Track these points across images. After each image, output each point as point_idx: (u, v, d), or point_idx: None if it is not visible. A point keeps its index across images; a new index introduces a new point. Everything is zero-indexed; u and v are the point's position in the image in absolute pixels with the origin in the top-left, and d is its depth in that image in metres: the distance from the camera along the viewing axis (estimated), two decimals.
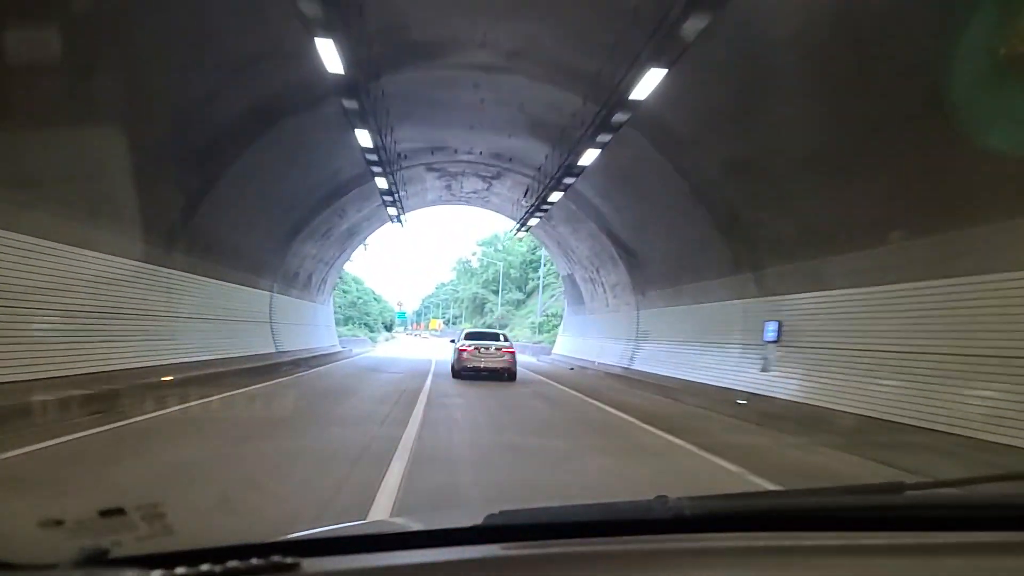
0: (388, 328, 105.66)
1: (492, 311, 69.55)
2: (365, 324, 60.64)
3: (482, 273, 76.84)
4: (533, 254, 69.05)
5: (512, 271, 70.36)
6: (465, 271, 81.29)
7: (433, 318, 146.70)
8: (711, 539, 1.20)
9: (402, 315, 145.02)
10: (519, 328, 58.98)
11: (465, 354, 16.58)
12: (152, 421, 7.92)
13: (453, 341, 19.14)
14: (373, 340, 51.21)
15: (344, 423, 8.89)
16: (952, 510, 1.35)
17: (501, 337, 18.07)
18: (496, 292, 72.03)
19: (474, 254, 78.04)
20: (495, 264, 73.11)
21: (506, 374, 16.54)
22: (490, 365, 16.48)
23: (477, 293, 74.37)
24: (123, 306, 11.06)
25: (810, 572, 1.13)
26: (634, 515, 1.27)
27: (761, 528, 1.23)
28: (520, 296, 69.37)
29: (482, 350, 16.72)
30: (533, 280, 68.26)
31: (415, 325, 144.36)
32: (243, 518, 4.03)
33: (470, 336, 18.05)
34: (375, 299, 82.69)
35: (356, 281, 70.18)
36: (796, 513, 1.30)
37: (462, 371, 16.53)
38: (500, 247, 75.60)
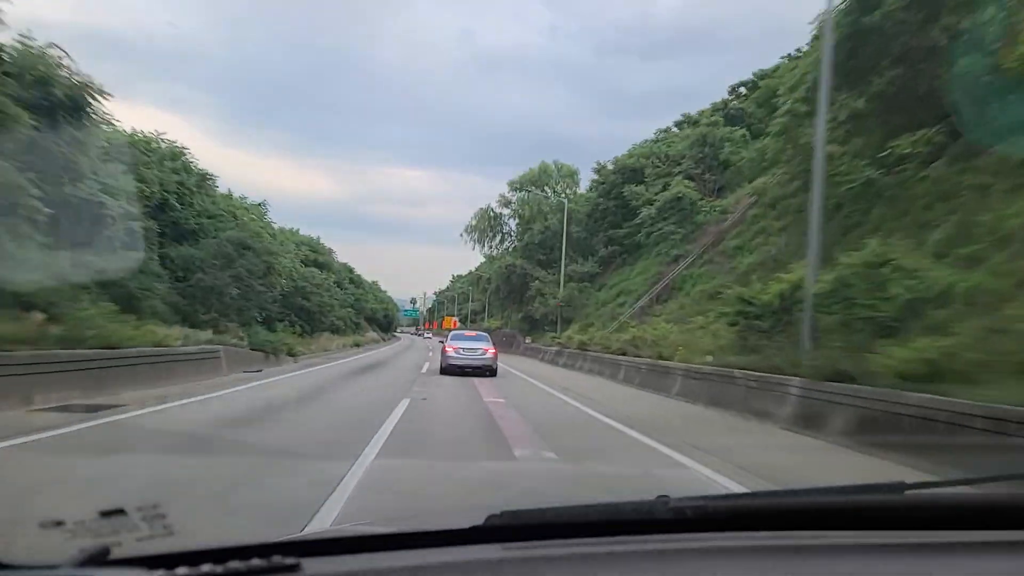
0: (384, 328, 78.33)
1: (542, 295, 38.81)
2: (301, 318, 30.34)
3: (521, 231, 45.65)
4: (614, 196, 38.41)
5: (575, 232, 39.66)
6: (489, 230, 49.03)
7: (447, 315, 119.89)
8: (713, 539, 1.19)
9: (410, 312, 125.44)
10: (603, 326, 28.41)
11: (450, 352, 18.50)
12: None
13: (442, 341, 23.00)
14: (284, 354, 20.51)
15: None
16: (952, 509, 1.35)
17: (484, 339, 20.05)
18: (546, 263, 41.42)
19: (507, 205, 46.88)
20: (545, 213, 42.46)
21: (487, 372, 18.06)
22: (473, 363, 18.14)
23: (514, 267, 43.42)
24: None
25: (812, 571, 1.11)
26: (636, 515, 1.26)
27: (762, 527, 1.22)
28: (588, 268, 38.67)
29: (465, 351, 18.49)
30: (616, 241, 37.62)
31: (427, 324, 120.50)
32: None
33: (456, 337, 20.24)
34: (351, 280, 52.38)
35: (303, 244, 40.21)
36: (797, 512, 1.29)
37: (448, 368, 18.21)
38: (550, 191, 45.02)
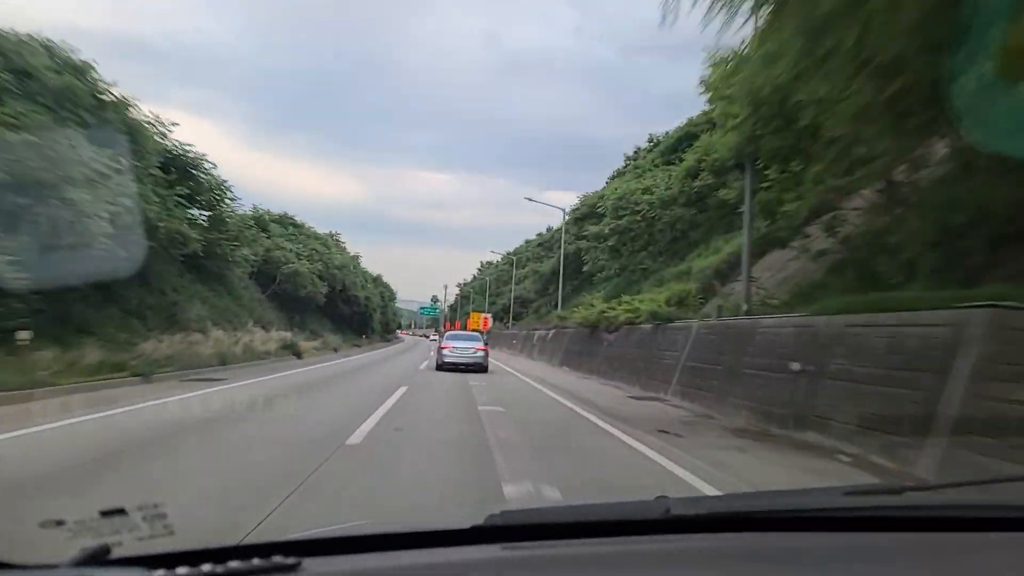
0: (356, 326, 41.71)
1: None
2: None
3: None
4: None
5: None
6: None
7: (475, 311, 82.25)
8: (711, 540, 1.18)
9: (429, 311, 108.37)
10: None
11: (446, 351, 20.74)
12: None
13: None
14: None
15: None
16: (951, 511, 1.34)
17: (476, 338, 22.32)
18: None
19: None
20: None
21: (479, 368, 20.16)
22: (466, 361, 20.21)
23: None
24: None
25: (811, 573, 1.10)
26: (634, 516, 1.24)
27: (760, 529, 1.21)
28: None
29: (459, 349, 20.70)
30: None
31: (448, 324, 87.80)
32: None
33: (451, 337, 22.52)
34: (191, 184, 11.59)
35: None
36: (796, 514, 1.27)
37: (443, 365, 20.33)
38: None
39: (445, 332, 27.46)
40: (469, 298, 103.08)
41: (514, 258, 54.74)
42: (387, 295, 61.77)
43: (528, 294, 50.60)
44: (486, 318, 75.73)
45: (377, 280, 55.20)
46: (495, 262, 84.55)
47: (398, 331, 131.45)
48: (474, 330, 79.42)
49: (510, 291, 51.62)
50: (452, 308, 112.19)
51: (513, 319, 50.09)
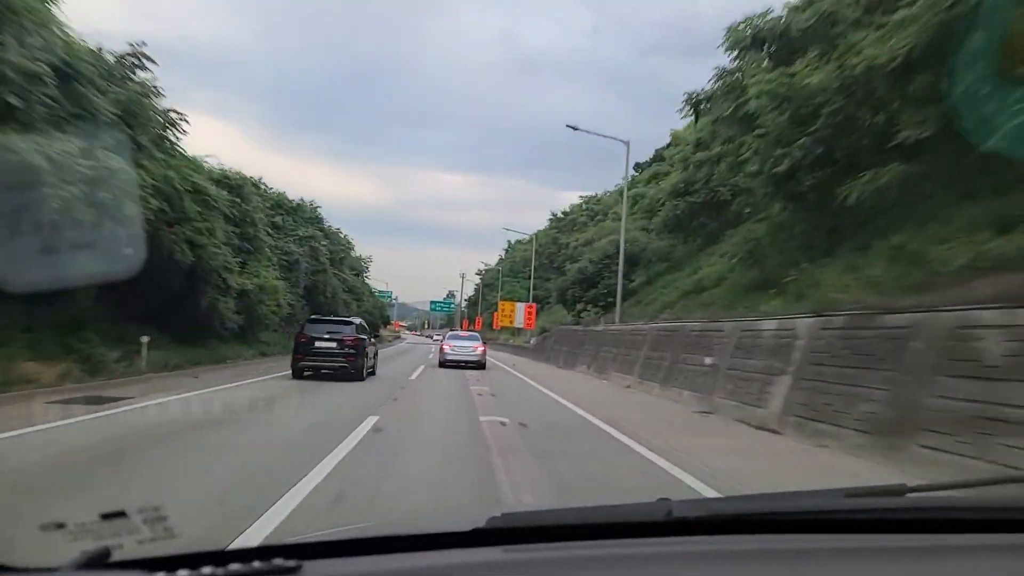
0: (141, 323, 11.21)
1: None
2: None
3: None
4: None
5: None
6: None
7: (506, 299, 51.95)
8: (713, 542, 1.18)
9: (443, 307, 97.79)
10: None
11: (447, 350, 22.63)
12: None
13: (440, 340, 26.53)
14: None
15: None
16: (953, 512, 1.32)
17: (475, 338, 24.11)
18: None
19: None
20: None
21: (476, 365, 22.07)
22: (465, 359, 22.13)
23: None
24: None
25: (813, 574, 1.10)
26: (636, 518, 1.24)
27: (763, 531, 1.20)
28: None
29: (458, 348, 22.62)
30: None
31: (466, 323, 76.53)
32: None
33: (451, 337, 24.54)
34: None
35: None
36: (798, 516, 1.27)
37: (444, 363, 22.26)
38: None
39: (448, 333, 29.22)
40: (495, 285, 75.94)
41: (625, 183, 26.40)
42: (341, 255, 33.46)
43: (648, 241, 22.39)
44: (529, 308, 47.34)
45: (299, 210, 27.26)
46: (532, 236, 57.00)
47: (405, 331, 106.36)
48: (504, 327, 49.64)
49: (617, 239, 23.30)
50: (472, 303, 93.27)
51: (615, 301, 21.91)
